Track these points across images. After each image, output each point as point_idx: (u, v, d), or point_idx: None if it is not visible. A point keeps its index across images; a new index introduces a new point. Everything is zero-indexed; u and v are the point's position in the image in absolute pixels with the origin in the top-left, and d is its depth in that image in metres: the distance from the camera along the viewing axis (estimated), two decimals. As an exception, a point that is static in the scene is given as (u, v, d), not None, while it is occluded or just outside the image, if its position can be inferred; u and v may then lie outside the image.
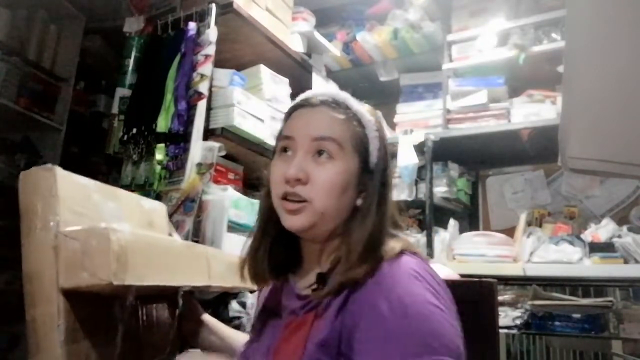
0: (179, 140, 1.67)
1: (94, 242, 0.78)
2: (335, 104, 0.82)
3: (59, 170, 0.88)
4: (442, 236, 2.24)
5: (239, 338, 1.05)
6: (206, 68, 1.70)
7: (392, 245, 0.76)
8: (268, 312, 0.89)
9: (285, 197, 0.79)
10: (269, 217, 0.85)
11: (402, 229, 0.84)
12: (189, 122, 1.66)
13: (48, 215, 0.84)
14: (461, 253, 2.16)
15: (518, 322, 2.03)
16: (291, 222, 0.79)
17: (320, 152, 0.79)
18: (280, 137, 0.84)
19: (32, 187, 0.86)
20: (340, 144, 0.79)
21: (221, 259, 1.10)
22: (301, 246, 0.86)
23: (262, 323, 0.89)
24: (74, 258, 0.79)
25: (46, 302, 0.79)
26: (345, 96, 0.85)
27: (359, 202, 0.81)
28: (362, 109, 0.84)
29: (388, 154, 0.85)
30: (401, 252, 0.75)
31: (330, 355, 0.70)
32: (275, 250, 0.86)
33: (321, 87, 0.91)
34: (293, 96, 2.08)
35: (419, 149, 2.32)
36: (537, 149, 2.36)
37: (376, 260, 0.74)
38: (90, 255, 0.78)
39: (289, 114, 0.85)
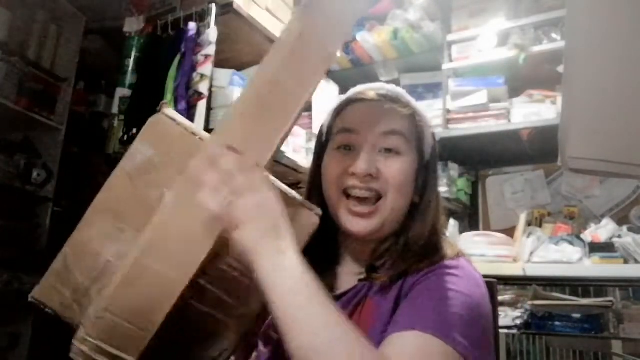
0: (179, 140, 1.67)
1: None
2: (396, 99, 0.80)
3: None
4: (442, 236, 2.23)
5: None
6: (206, 68, 1.70)
7: (451, 249, 0.76)
8: None
9: (347, 193, 0.75)
10: None
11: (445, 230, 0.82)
12: (189, 122, 1.66)
13: None
14: (461, 253, 2.15)
15: (518, 322, 2.02)
16: (360, 226, 0.74)
17: (388, 147, 0.76)
18: (337, 131, 0.80)
19: None
20: (407, 139, 0.77)
21: None
22: (342, 246, 0.82)
23: None
24: None
25: None
26: (402, 91, 0.83)
27: (416, 199, 0.79)
28: (418, 104, 0.83)
29: (437, 151, 0.84)
30: (458, 255, 0.75)
31: None
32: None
33: (379, 84, 0.87)
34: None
35: (420, 149, 2.31)
36: (537, 149, 2.35)
37: (437, 259, 0.73)
38: None
39: (342, 108, 0.82)
